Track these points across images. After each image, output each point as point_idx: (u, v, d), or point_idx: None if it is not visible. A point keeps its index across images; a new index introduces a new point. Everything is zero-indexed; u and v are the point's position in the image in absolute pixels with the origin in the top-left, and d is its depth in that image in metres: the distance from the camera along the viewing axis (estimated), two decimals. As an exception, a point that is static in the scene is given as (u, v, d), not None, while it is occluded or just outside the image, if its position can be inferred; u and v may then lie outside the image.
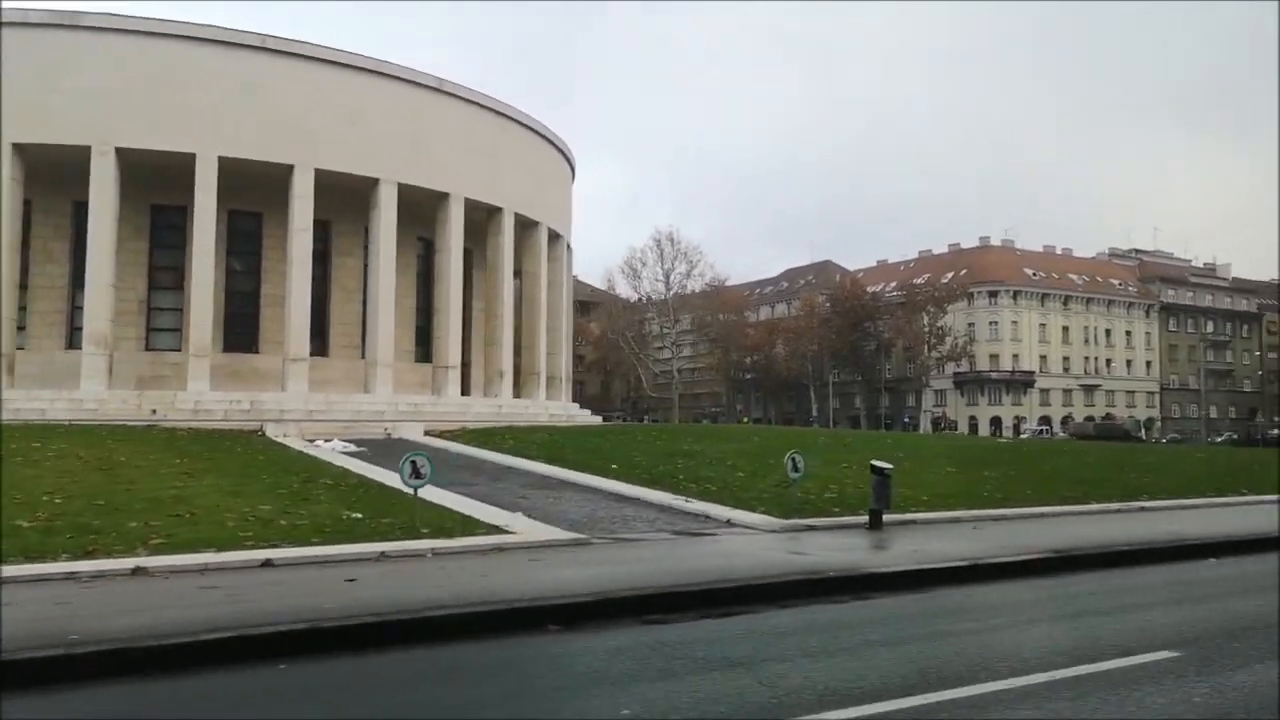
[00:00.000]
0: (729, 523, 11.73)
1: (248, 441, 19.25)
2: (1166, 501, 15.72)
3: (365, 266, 31.34)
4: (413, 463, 9.85)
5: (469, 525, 10.34)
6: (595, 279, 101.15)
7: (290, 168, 28.25)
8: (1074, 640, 6.61)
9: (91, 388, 26.02)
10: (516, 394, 35.82)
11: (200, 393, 26.69)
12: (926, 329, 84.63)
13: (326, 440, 20.84)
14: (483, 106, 33.26)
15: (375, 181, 29.82)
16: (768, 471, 16.05)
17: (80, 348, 26.58)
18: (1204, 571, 9.92)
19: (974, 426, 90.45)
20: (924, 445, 26.25)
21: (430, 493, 11.80)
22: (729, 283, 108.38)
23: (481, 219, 33.95)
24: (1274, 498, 16.55)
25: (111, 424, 23.15)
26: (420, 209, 31.90)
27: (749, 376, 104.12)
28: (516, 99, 36.57)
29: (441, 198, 31.68)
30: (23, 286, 28.08)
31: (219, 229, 28.99)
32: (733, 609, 7.31)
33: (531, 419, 31.88)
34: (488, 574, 8.09)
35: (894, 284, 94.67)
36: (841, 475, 16.70)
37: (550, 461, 17.83)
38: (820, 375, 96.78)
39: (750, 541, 10.58)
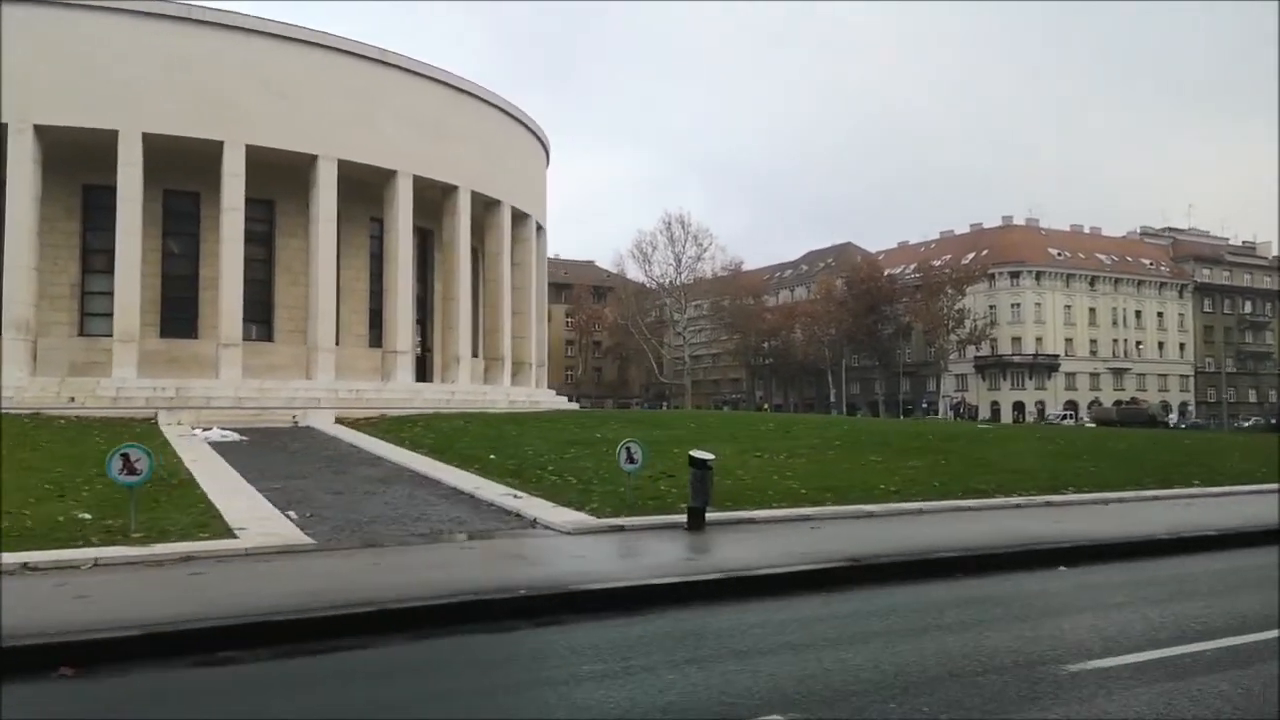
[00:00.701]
0: (535, 522, 10.24)
1: (123, 431, 18.06)
2: (1088, 495, 13.90)
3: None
4: (124, 456, 8.49)
5: (204, 528, 8.98)
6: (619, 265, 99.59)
7: (220, 144, 27.09)
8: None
9: (13, 374, 25.10)
10: (487, 380, 34.60)
11: (124, 380, 25.68)
12: (944, 311, 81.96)
13: (205, 429, 19.64)
14: (434, 80, 31.87)
15: (314, 158, 28.58)
16: (660, 462, 14.54)
17: (3, 334, 25.66)
18: (1026, 584, 8.26)
19: (996, 411, 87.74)
20: (877, 430, 24.43)
21: (227, 487, 10.46)
22: (746, 267, 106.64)
23: (438, 198, 32.63)
24: (1198, 491, 14.77)
25: (17, 413, 22.19)
26: (372, 188, 30.67)
27: (767, 362, 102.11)
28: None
29: (389, 175, 30.38)
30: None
31: (153, 209, 28.01)
32: (340, 641, 5.85)
33: (487, 405, 30.49)
34: (87, 595, 6.60)
35: (914, 266, 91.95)
36: (741, 465, 15.14)
37: (434, 452, 16.44)
38: (839, 360, 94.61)
39: (523, 545, 9.17)
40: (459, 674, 5.47)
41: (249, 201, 28.62)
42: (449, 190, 32.62)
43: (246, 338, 29.41)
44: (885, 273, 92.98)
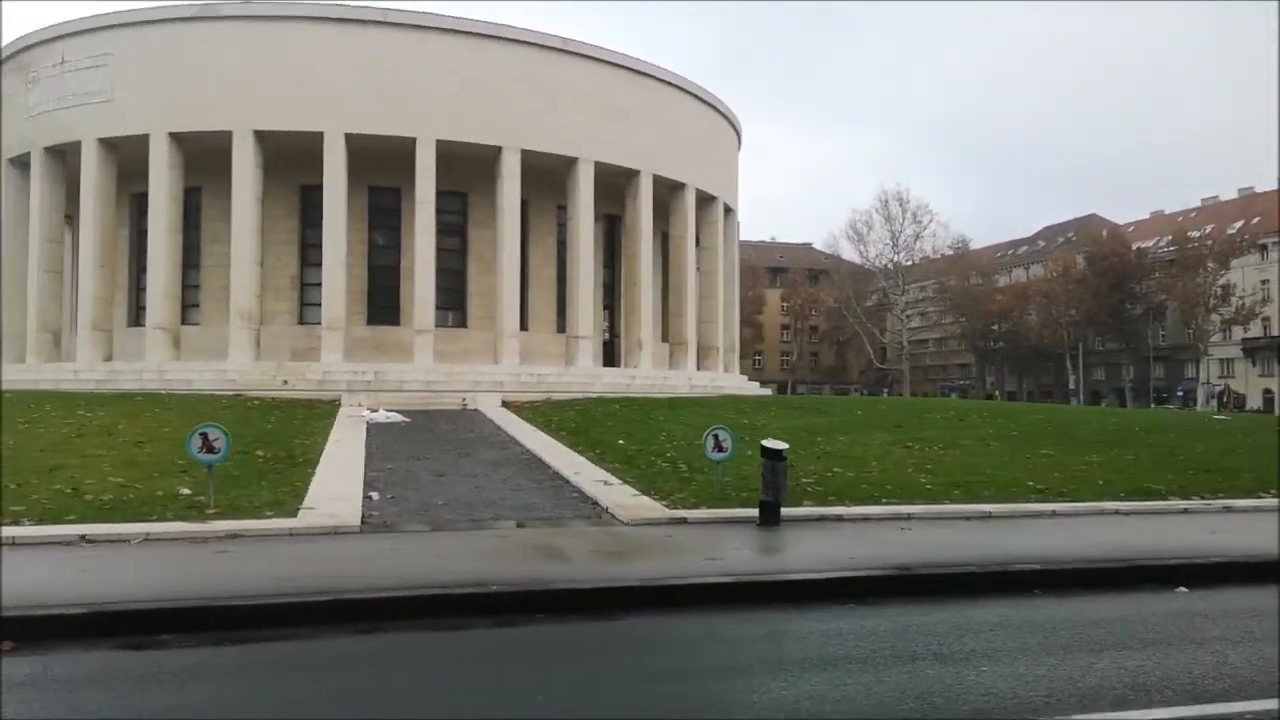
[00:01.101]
0: (604, 512, 9.88)
1: (302, 411, 19.48)
2: (1232, 500, 11.62)
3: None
4: (202, 435, 9.00)
5: (279, 505, 9.38)
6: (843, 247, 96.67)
7: (413, 141, 28.61)
8: None
9: (238, 360, 27.82)
10: (672, 365, 34.65)
11: (330, 364, 27.75)
12: (1202, 288, 73.26)
13: (373, 410, 20.76)
14: (614, 64, 32.05)
15: (498, 150, 29.59)
16: (800, 451, 13.74)
17: (232, 323, 28.45)
18: (1108, 608, 6.86)
19: (1269, 401, 77.53)
20: (1072, 421, 21.85)
21: (341, 465, 10.87)
22: (976, 245, 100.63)
23: (621, 183, 32.90)
24: None
25: (238, 394, 24.55)
26: (557, 176, 31.41)
27: (998, 346, 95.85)
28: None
29: (570, 163, 30.94)
30: (194, 266, 30.63)
31: (358, 204, 30.06)
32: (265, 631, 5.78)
33: (667, 389, 30.41)
34: (87, 569, 6.95)
35: (1169, 238, 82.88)
36: (882, 456, 14.07)
37: (572, 435, 16.49)
38: (1078, 344, 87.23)
39: (559, 536, 8.83)
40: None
41: (445, 194, 30.18)
42: (630, 175, 32.78)
43: (441, 324, 31.04)
44: (1135, 246, 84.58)
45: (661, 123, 33.25)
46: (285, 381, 26.84)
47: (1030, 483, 12.30)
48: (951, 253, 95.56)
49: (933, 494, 11.26)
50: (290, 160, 29.11)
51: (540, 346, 32.10)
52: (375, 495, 10.29)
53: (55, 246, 31.00)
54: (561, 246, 33.10)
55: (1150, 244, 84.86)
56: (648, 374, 31.72)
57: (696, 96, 35.37)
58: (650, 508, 9.93)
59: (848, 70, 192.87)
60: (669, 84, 33.88)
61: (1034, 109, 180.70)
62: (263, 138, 28.41)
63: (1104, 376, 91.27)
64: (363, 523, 9.02)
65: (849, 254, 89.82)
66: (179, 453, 12.56)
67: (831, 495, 10.72)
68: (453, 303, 31.83)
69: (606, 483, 11.62)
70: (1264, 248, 79.22)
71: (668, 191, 34.47)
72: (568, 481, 11.88)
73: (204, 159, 28.72)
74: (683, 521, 9.37)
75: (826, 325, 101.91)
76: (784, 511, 9.37)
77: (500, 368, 29.10)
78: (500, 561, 7.75)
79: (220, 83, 28.03)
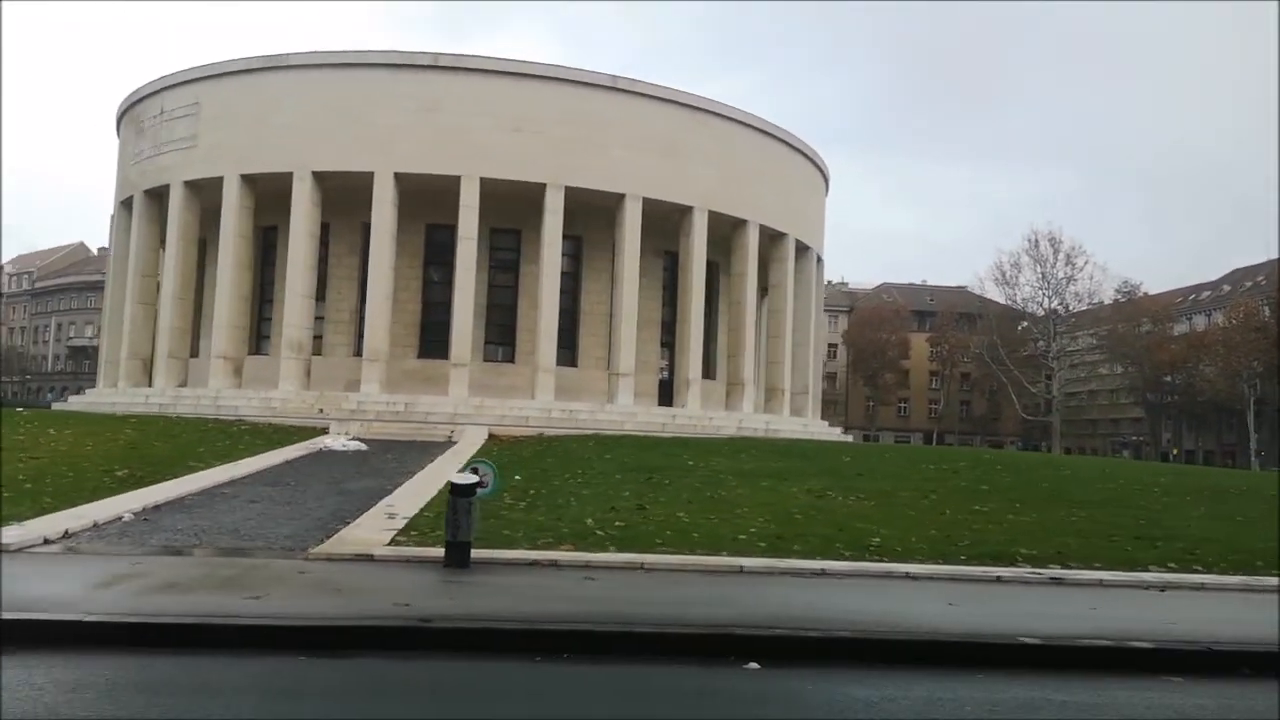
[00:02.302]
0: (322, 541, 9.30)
1: (272, 437, 19.98)
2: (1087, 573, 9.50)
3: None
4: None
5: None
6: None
7: (457, 179, 29.16)
8: None
9: (285, 388, 29.04)
10: (728, 406, 33.53)
11: (367, 395, 28.50)
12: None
13: (351, 438, 20.94)
14: (666, 100, 31.70)
15: (543, 187, 29.73)
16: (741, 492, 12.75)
17: (282, 353, 29.79)
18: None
19: None
20: (1088, 477, 19.18)
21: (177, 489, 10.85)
22: (1151, 289, 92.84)
23: (676, 219, 32.36)
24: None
25: (276, 421, 25.56)
26: (610, 213, 31.26)
27: (1172, 400, 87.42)
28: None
29: (618, 199, 30.75)
30: (270, 300, 32.39)
31: (415, 241, 31.21)
32: None
33: (711, 430, 29.19)
34: None
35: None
36: (789, 504, 12.83)
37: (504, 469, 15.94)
38: (1260, 401, 78.30)
39: (229, 566, 8.27)
40: None
41: (498, 231, 31.41)
42: (685, 211, 32.22)
43: (490, 359, 31.50)
44: (1332, 291, 75.43)
45: (720, 159, 32.50)
46: (321, 410, 27.73)
47: (884, 538, 10.74)
48: (1120, 297, 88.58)
49: (739, 545, 10.00)
50: (352, 199, 30.31)
51: (590, 383, 31.83)
52: (129, 515, 10.22)
53: (149, 280, 33.55)
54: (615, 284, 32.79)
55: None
56: (692, 414, 30.74)
57: (762, 131, 34.42)
58: (358, 543, 9.34)
59: (1003, 107, 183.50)
60: (729, 119, 33.13)
61: (1208, 146, 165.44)
62: (322, 178, 29.79)
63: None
64: (45, 541, 8.94)
65: (996, 297, 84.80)
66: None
67: (612, 540, 9.71)
68: (502, 338, 32.13)
69: (391, 515, 11.06)
70: None
71: (730, 229, 33.62)
72: (367, 512, 11.42)
73: (277, 200, 30.32)
74: (369, 558, 8.70)
75: (978, 373, 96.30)
76: (496, 554, 8.54)
77: (533, 402, 28.99)
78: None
79: (282, 127, 29.71)
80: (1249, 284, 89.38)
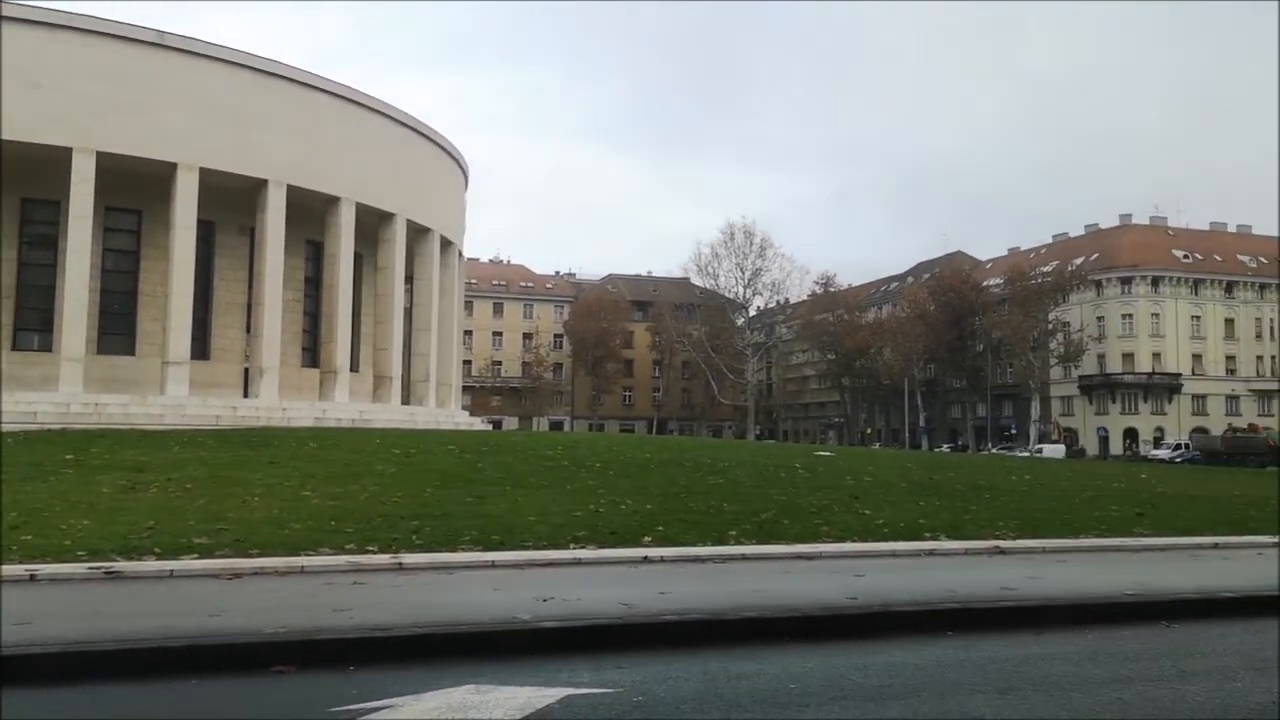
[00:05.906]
0: None
1: None
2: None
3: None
4: None
5: None
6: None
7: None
8: None
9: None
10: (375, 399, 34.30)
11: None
12: (1027, 323, 74.25)
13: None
14: (319, 89, 31.96)
15: (173, 167, 29.09)
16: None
17: None
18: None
19: (1104, 441, 78.31)
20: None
21: None
22: (840, 279, 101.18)
23: (322, 209, 32.71)
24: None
25: None
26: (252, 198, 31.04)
27: (859, 383, 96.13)
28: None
29: (260, 185, 30.60)
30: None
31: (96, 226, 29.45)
32: None
33: (280, 421, 28.34)
34: None
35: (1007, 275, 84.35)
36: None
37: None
38: (930, 382, 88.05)
39: None
40: None
41: (115, 210, 30.17)
42: (332, 201, 32.56)
43: (105, 351, 30.09)
44: (985, 283, 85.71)
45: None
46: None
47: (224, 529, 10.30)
48: (817, 289, 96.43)
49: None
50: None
51: (225, 377, 31.66)
52: None
53: None
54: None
55: (1001, 280, 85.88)
56: (267, 404, 29.85)
57: (439, 145, 35.37)
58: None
59: (785, 112, 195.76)
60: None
61: (906, 151, 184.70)
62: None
63: (960, 415, 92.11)
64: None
65: (702, 285, 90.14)
66: None
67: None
68: (121, 328, 30.93)
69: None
70: (1099, 284, 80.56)
71: (378, 221, 34.35)
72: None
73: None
74: None
75: (698, 361, 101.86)
76: None
77: (57, 395, 26.88)
78: None
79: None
80: (927, 275, 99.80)
